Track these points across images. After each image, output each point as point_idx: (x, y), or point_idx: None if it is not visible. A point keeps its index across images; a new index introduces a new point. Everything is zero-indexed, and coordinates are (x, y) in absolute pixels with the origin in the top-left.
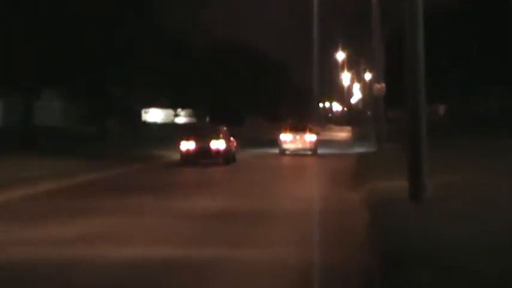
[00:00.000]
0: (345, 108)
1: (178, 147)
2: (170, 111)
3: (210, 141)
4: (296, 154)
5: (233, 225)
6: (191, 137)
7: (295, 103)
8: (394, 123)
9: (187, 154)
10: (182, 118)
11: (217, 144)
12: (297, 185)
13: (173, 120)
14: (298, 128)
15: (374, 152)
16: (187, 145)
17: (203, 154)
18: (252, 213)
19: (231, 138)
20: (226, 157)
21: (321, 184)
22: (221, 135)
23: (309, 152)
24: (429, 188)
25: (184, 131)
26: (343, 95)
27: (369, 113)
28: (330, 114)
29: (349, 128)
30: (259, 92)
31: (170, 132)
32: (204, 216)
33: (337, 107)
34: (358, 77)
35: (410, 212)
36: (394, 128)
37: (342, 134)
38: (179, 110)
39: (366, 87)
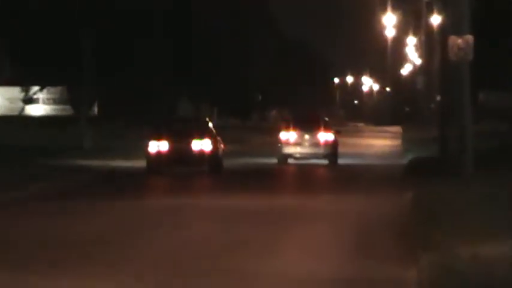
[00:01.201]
0: (388, 89)
1: (145, 150)
2: (18, 93)
3: (191, 141)
4: (305, 163)
5: None
6: (164, 134)
7: (287, 76)
8: (489, 120)
9: (158, 159)
10: (41, 106)
11: (202, 145)
12: (302, 244)
13: (23, 110)
14: (307, 123)
15: (449, 179)
16: (158, 146)
17: (181, 159)
18: None
19: (218, 138)
20: (212, 163)
21: (347, 241)
22: (206, 131)
23: (324, 160)
24: None
25: (155, 127)
26: (383, 62)
27: (438, 98)
28: (356, 101)
29: (396, 129)
30: (203, 54)
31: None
32: None
33: (370, 84)
34: (415, 22)
35: None
36: (490, 131)
37: (382, 142)
38: (34, 90)
39: (433, 45)
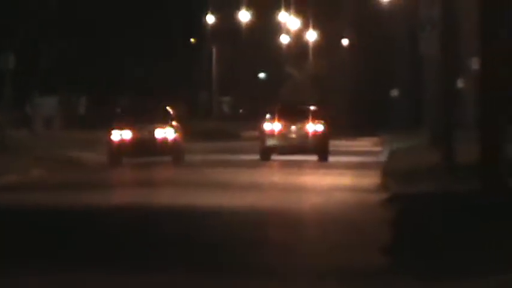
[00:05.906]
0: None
1: (108, 139)
2: None
3: (154, 129)
4: (290, 159)
5: None
6: (126, 122)
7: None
8: None
9: (120, 148)
10: None
11: (165, 133)
12: None
13: None
14: (295, 113)
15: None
16: (121, 135)
17: (144, 148)
18: None
19: (178, 125)
20: (175, 152)
21: None
22: (169, 119)
23: (313, 155)
24: None
25: (117, 115)
26: None
27: (474, 66)
28: (261, 74)
29: (371, 141)
30: None
31: None
32: None
33: (313, 38)
34: None
35: None
36: None
37: (329, 179)
38: None
39: None
